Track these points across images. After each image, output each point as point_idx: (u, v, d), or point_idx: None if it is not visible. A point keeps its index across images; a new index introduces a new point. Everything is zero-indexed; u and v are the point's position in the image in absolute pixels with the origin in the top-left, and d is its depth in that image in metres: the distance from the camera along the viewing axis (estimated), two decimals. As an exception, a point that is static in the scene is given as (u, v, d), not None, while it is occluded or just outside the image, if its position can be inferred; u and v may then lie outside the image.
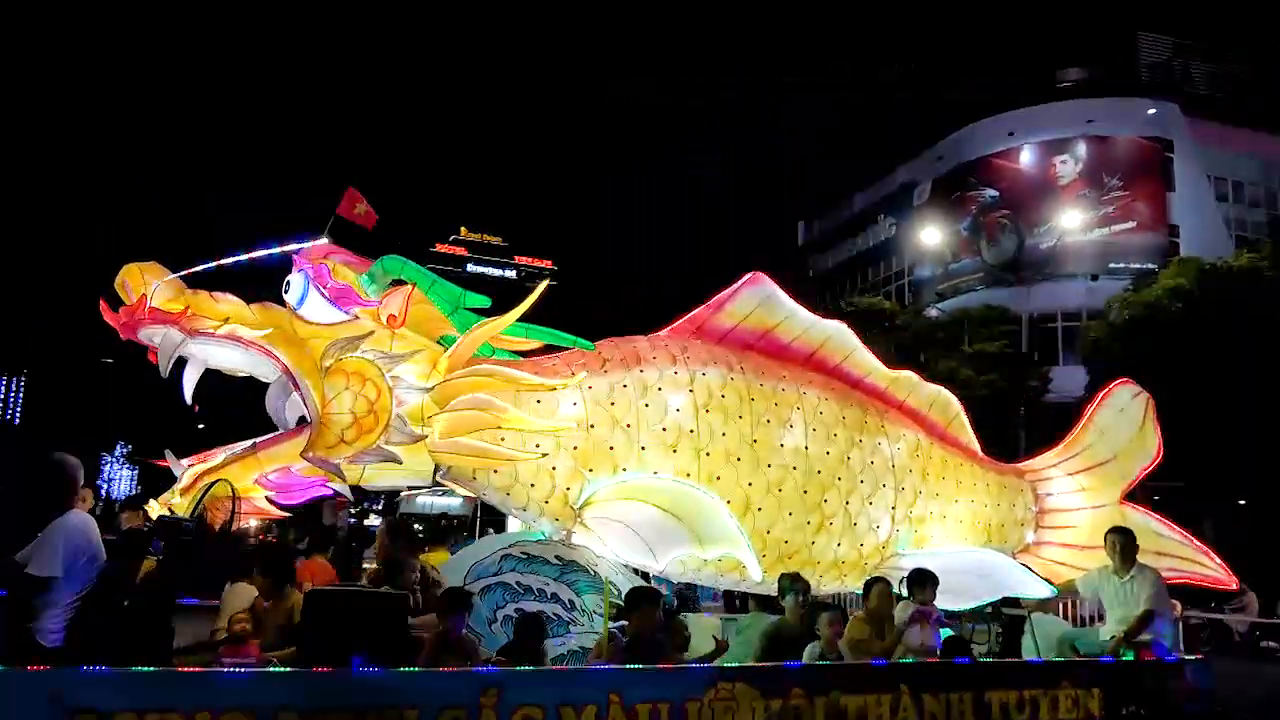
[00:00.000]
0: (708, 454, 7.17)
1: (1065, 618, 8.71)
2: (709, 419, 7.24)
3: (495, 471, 6.90)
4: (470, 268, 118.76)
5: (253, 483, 6.32)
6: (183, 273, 6.29)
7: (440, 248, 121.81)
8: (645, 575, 7.69)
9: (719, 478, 7.19)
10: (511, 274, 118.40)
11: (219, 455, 6.39)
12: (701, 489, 7.00)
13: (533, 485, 6.94)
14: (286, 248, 6.53)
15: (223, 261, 6.36)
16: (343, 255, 6.83)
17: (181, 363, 6.30)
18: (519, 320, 6.96)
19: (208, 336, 6.23)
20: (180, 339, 6.14)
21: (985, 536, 8.56)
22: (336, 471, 6.37)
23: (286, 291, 6.67)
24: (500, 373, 6.70)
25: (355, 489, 6.84)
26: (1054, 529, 8.96)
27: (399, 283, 6.83)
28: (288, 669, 4.83)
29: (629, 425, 7.05)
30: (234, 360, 6.44)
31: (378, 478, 6.76)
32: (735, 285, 7.96)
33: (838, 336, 8.33)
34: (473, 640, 5.99)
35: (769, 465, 7.36)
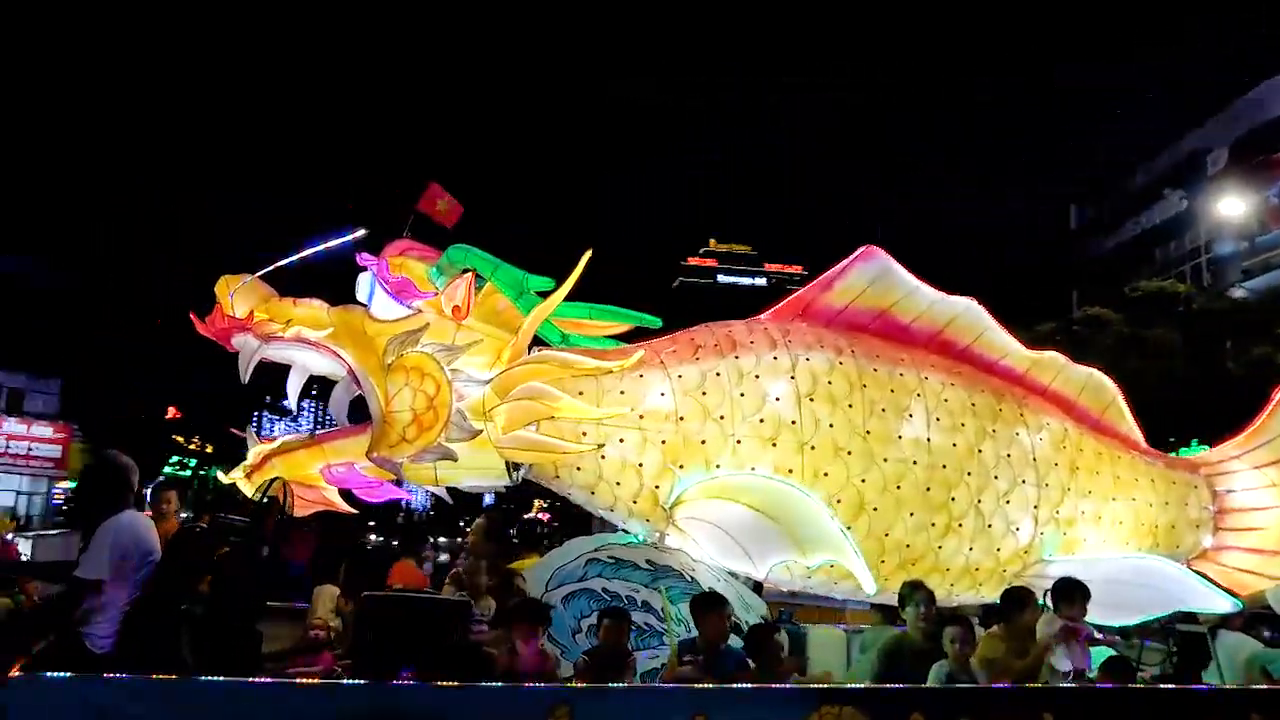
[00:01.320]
0: (812, 447, 6.42)
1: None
2: (813, 408, 6.49)
3: (579, 469, 6.40)
4: (721, 278, 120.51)
5: (317, 472, 6.12)
6: (259, 273, 6.20)
7: (691, 261, 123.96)
8: (758, 585, 7.02)
9: (826, 474, 6.43)
10: (762, 281, 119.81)
11: (279, 439, 6.29)
12: (797, 487, 6.26)
13: (618, 483, 6.40)
14: (337, 241, 6.28)
15: (286, 261, 6.20)
16: (417, 249, 6.52)
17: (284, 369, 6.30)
18: (585, 303, 6.50)
19: (278, 341, 6.09)
20: (255, 345, 6.04)
21: (1151, 540, 7.39)
22: (397, 471, 6.05)
23: (359, 290, 6.45)
24: (554, 358, 6.23)
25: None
26: (1237, 531, 7.66)
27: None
28: (319, 681, 4.46)
29: (722, 417, 6.40)
30: (315, 363, 6.26)
31: (453, 478, 6.38)
32: (846, 261, 7.16)
33: (967, 314, 7.38)
34: (553, 657, 5.47)
35: (884, 459, 6.54)
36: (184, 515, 7.05)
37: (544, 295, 6.40)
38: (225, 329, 6.11)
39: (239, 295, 6.03)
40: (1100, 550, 7.13)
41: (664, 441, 6.33)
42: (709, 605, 5.81)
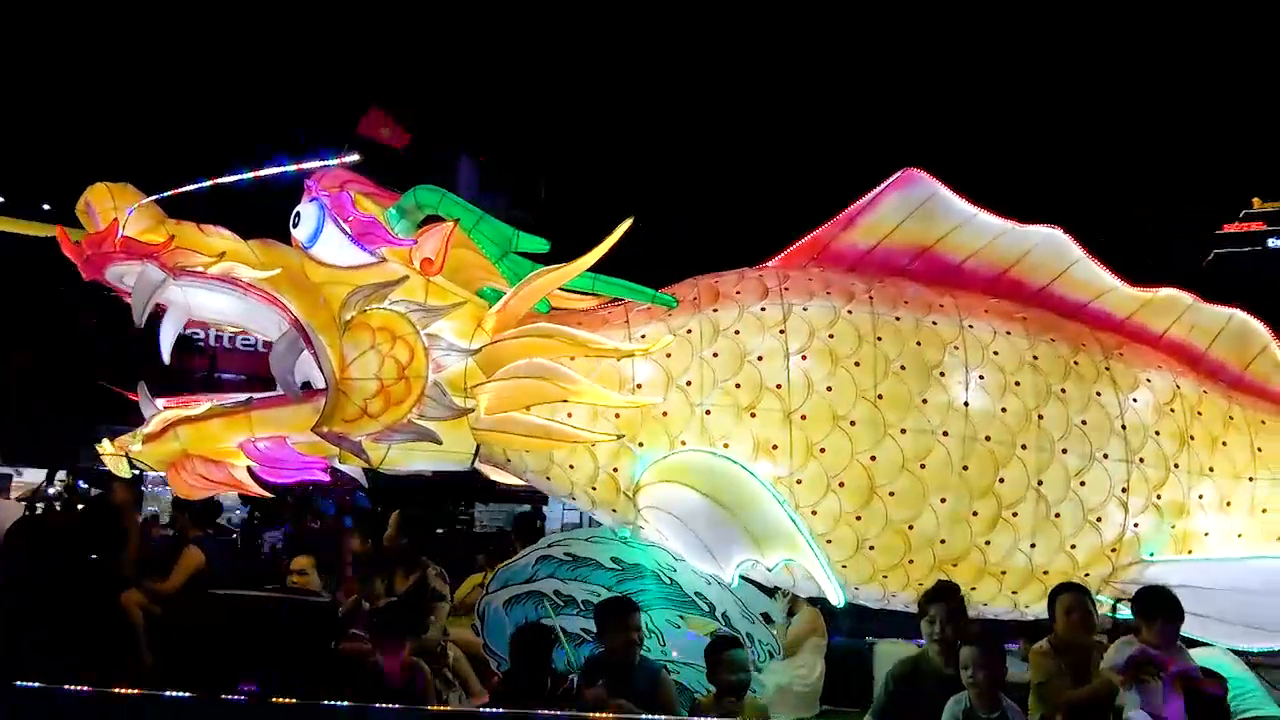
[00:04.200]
0: (803, 417, 5.13)
1: None
2: (805, 368, 5.19)
3: (527, 451, 5.45)
4: (1272, 242, 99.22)
5: (235, 447, 5.22)
6: (161, 195, 5.15)
7: (1229, 228, 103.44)
8: (782, 589, 5.82)
9: (822, 449, 5.11)
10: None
11: (203, 404, 5.31)
12: (741, 463, 5.02)
13: (572, 466, 5.39)
14: (297, 166, 5.40)
15: (219, 180, 5.29)
16: (363, 185, 5.66)
17: (159, 311, 5.19)
18: (589, 273, 5.34)
19: (196, 277, 5.08)
20: (160, 278, 4.99)
21: (1317, 535, 5.43)
22: (358, 451, 5.19)
23: (296, 225, 5.41)
24: (562, 333, 5.21)
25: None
26: None
27: (433, 220, 5.59)
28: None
29: (689, 383, 5.24)
30: (227, 309, 5.34)
31: (403, 460, 5.57)
32: (876, 190, 5.75)
33: (1044, 247, 5.74)
34: (424, 673, 4.59)
35: (903, 430, 5.12)
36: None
37: (534, 259, 5.46)
38: (107, 253, 4.99)
39: (140, 214, 5.00)
40: (1232, 548, 5.29)
41: (618, 415, 5.26)
42: (608, 613, 4.87)
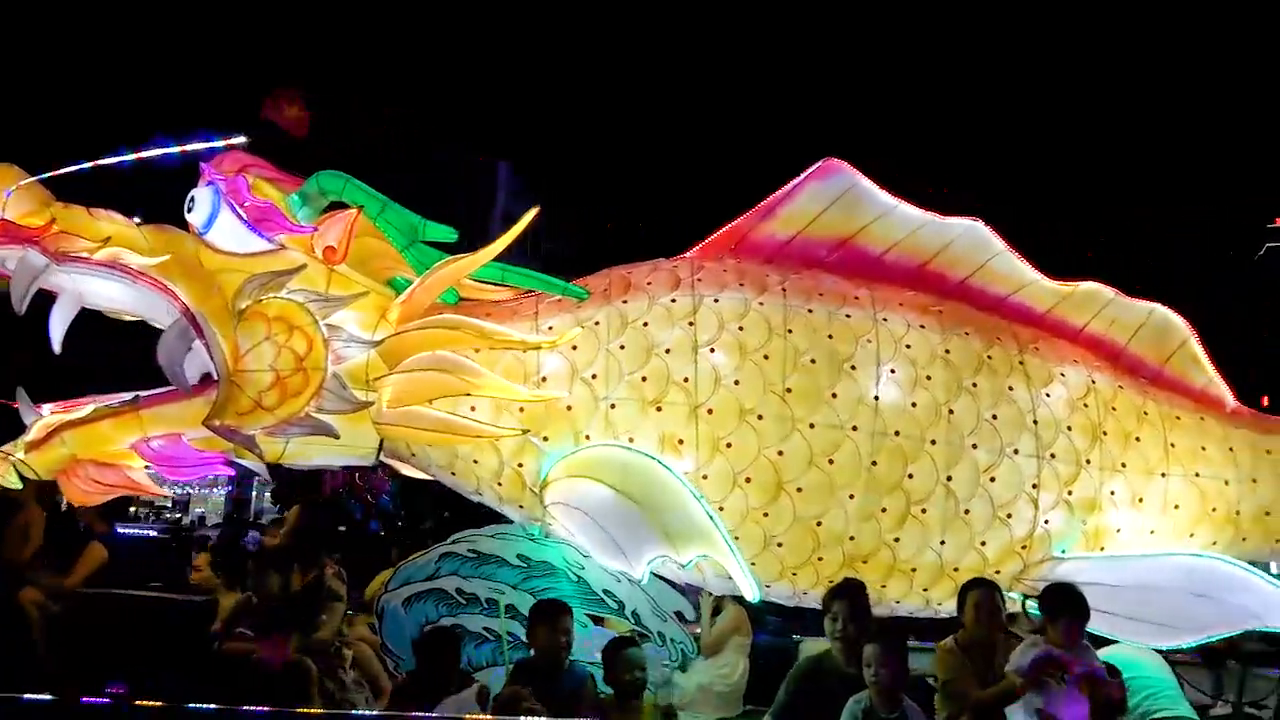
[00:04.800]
0: (710, 411, 5.01)
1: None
2: (713, 361, 5.07)
3: (431, 445, 5.30)
4: None
5: (129, 449, 5.03)
6: (46, 174, 4.90)
7: None
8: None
9: (729, 444, 5.00)
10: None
11: (87, 406, 5.09)
12: (659, 459, 4.90)
13: (476, 460, 5.25)
14: (188, 146, 5.20)
15: (104, 161, 5.11)
16: (264, 169, 5.49)
17: (49, 300, 4.93)
18: (498, 263, 5.25)
19: (80, 263, 4.86)
20: (43, 264, 4.76)
21: (1231, 531, 5.39)
22: (250, 446, 5.03)
23: (190, 210, 5.20)
24: (468, 324, 5.04)
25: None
26: (1378, 520, 5.48)
27: (338, 207, 5.42)
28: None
29: (594, 376, 5.11)
30: (119, 298, 5.09)
31: (303, 455, 5.40)
32: (795, 180, 5.64)
33: (965, 239, 5.64)
34: (311, 672, 4.44)
35: (811, 425, 5.01)
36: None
37: (442, 249, 5.32)
38: None
39: (21, 196, 4.76)
40: (1145, 545, 5.23)
41: (521, 409, 5.12)
42: (537, 615, 4.78)
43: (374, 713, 4.43)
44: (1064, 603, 4.25)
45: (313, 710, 4.30)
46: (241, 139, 5.16)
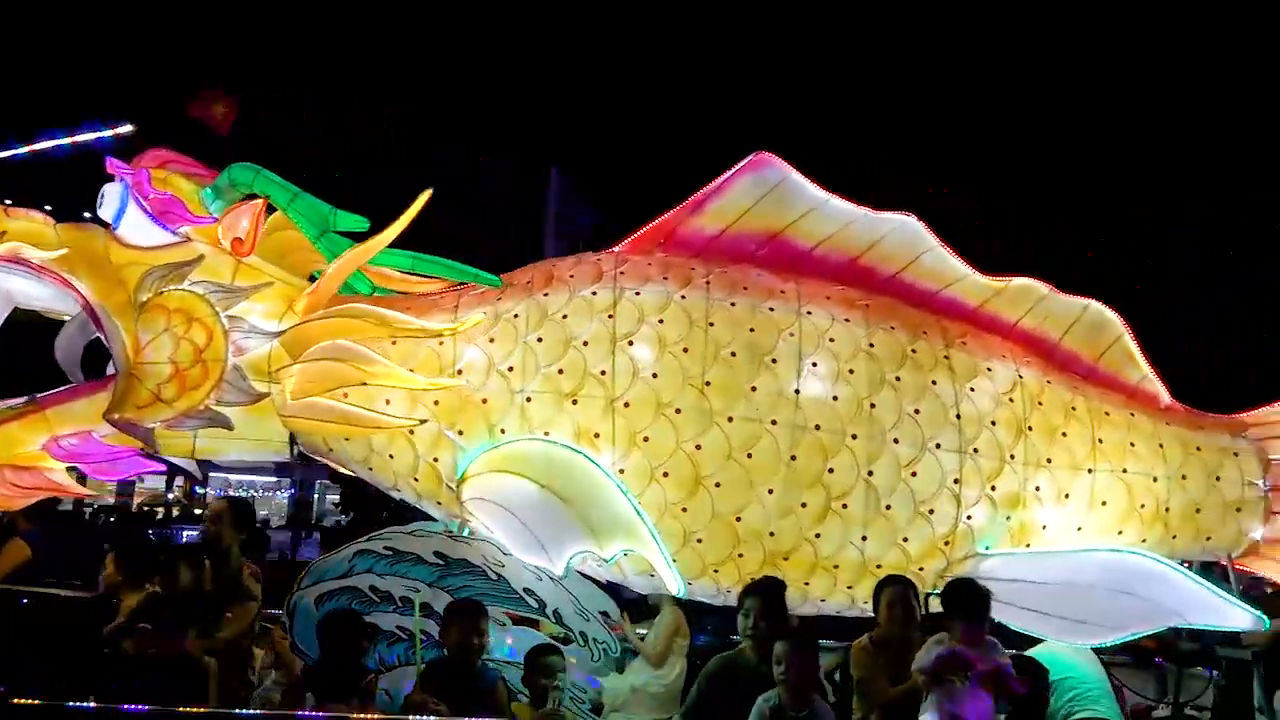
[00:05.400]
0: (626, 404, 4.93)
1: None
2: (631, 354, 4.99)
3: (346, 439, 5.21)
4: None
5: (41, 449, 5.03)
6: None
7: None
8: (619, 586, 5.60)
9: (646, 438, 4.92)
10: None
11: None
12: (586, 453, 4.81)
13: (391, 455, 5.17)
14: (89, 135, 5.22)
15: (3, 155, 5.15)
16: (184, 164, 5.46)
17: None
18: (409, 252, 5.25)
19: None
20: None
21: (1160, 528, 5.31)
22: (146, 439, 5.00)
23: (100, 205, 5.27)
24: (371, 313, 5.03)
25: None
26: (1310, 518, 5.41)
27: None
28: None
29: (510, 369, 5.02)
30: (32, 293, 5.16)
31: (216, 450, 5.32)
32: (726, 174, 5.57)
33: (897, 235, 5.56)
34: (204, 671, 4.33)
35: (729, 419, 4.93)
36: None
37: (355, 238, 5.28)
38: None
39: None
40: (1071, 541, 5.15)
41: (436, 401, 5.03)
42: (450, 615, 4.69)
43: (321, 714, 4.32)
44: (962, 599, 4.15)
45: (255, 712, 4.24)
46: (128, 127, 5.15)
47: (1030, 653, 5.00)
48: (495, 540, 5.08)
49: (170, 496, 26.16)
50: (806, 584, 5.09)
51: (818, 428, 4.95)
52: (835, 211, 5.53)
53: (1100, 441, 5.25)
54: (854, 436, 4.96)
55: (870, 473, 4.95)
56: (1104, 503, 5.19)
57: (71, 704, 3.66)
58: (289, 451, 5.37)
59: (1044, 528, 5.12)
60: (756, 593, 4.63)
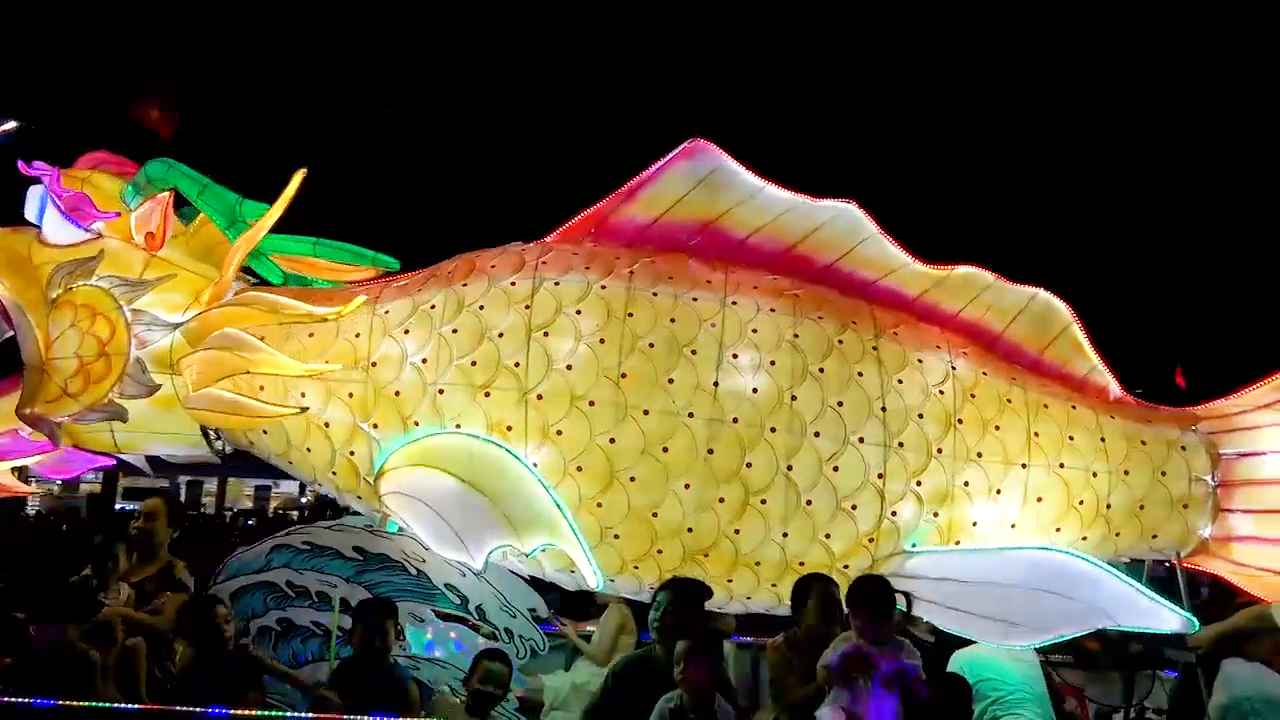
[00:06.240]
0: (539, 397, 4.82)
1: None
2: (546, 346, 4.88)
3: (265, 432, 5.17)
4: None
5: None
6: None
7: None
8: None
9: (559, 431, 4.81)
10: None
11: None
12: (506, 447, 4.72)
13: (309, 449, 5.12)
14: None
15: None
16: (115, 163, 5.50)
17: None
18: (309, 237, 5.29)
19: None
20: None
21: (1101, 526, 5.10)
22: (52, 434, 5.03)
23: (27, 207, 5.32)
24: (260, 300, 5.05)
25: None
26: (1261, 514, 5.19)
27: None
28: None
29: (424, 360, 4.94)
30: None
31: (134, 445, 5.31)
32: (660, 161, 5.44)
33: (836, 223, 5.40)
34: (87, 662, 4.29)
35: (645, 412, 4.81)
36: None
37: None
38: None
39: None
40: (1005, 539, 4.97)
41: (351, 394, 4.97)
42: (354, 613, 4.71)
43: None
44: (862, 597, 4.01)
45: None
46: (9, 124, 5.22)
47: (960, 654, 4.86)
48: (418, 535, 5.02)
49: (304, 500, 26.67)
50: (730, 581, 4.96)
51: (736, 421, 4.82)
52: (770, 199, 5.38)
53: (1036, 435, 5.05)
54: (773, 430, 4.82)
55: (790, 467, 4.81)
56: (1039, 499, 5.00)
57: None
58: (207, 446, 5.34)
59: (975, 525, 4.95)
60: (665, 588, 4.54)
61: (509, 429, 4.82)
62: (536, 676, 5.95)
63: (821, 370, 4.93)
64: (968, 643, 4.88)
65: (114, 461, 5.60)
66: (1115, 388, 5.49)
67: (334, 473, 5.11)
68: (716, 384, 4.85)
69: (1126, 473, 5.12)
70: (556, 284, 5.06)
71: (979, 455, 4.96)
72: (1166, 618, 4.56)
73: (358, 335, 5.05)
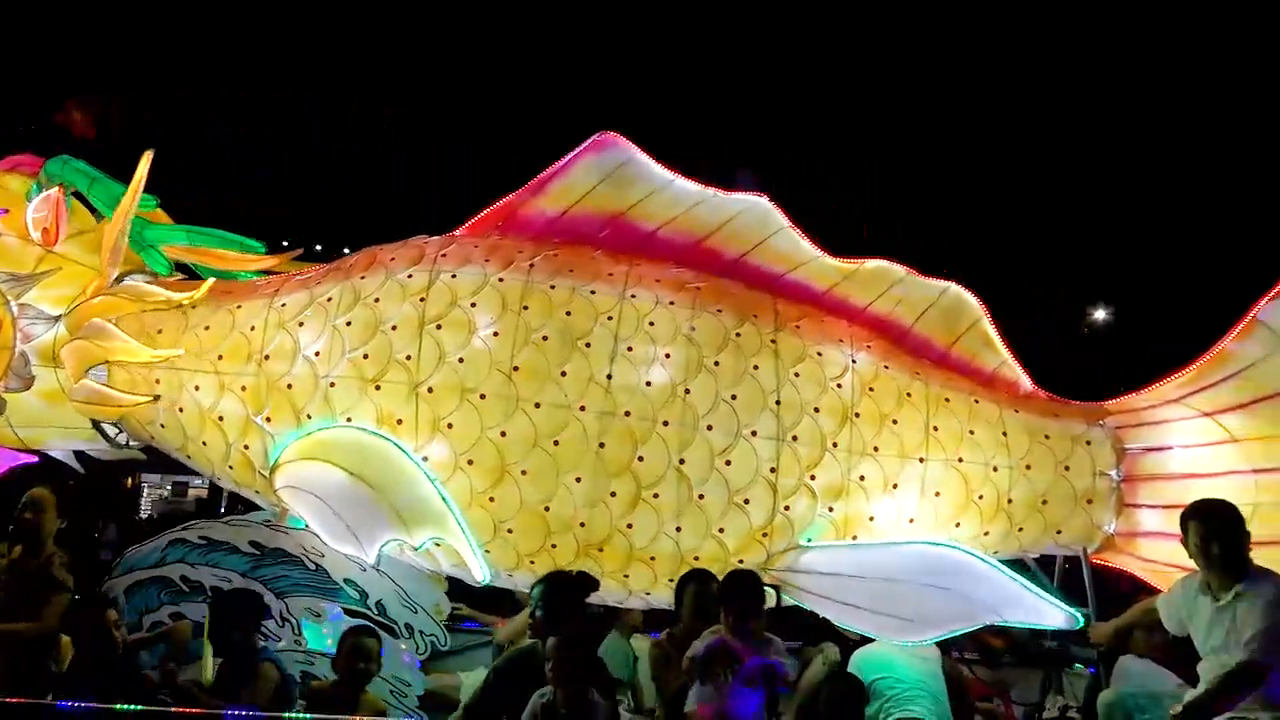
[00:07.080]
0: (430, 389, 4.79)
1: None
2: (438, 339, 4.86)
3: (162, 425, 5.16)
4: None
5: None
6: None
7: None
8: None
9: (450, 425, 4.78)
10: None
11: None
12: (394, 440, 4.69)
13: (205, 443, 5.09)
14: None
15: None
16: (29, 163, 5.52)
17: None
18: (185, 225, 5.41)
19: None
20: None
21: (1003, 521, 5.06)
22: None
23: None
24: (129, 289, 5.11)
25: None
26: (1168, 509, 5.13)
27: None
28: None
29: (317, 353, 4.91)
30: None
31: (36, 439, 5.30)
32: (569, 154, 5.40)
33: (747, 216, 5.36)
34: None
35: (537, 405, 4.77)
36: None
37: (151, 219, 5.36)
38: None
39: None
40: (903, 534, 4.92)
41: (244, 387, 4.94)
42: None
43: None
44: (730, 591, 3.97)
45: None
46: None
47: (858, 652, 4.82)
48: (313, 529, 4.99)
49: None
50: (626, 576, 4.93)
51: (628, 414, 4.78)
52: (680, 192, 5.34)
53: (935, 430, 5.01)
54: (665, 423, 4.79)
55: (682, 461, 4.77)
56: (937, 493, 4.95)
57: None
58: (103, 440, 5.33)
59: (872, 519, 4.90)
60: (537, 584, 4.50)
61: (399, 422, 4.79)
62: (455, 675, 5.91)
63: (717, 363, 4.90)
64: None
65: (36, 459, 5.58)
66: (1026, 382, 5.44)
67: (230, 466, 5.09)
68: (610, 377, 4.82)
69: (1028, 467, 5.07)
70: (454, 276, 5.03)
71: (875, 449, 4.91)
72: (1052, 614, 4.53)
73: (253, 328, 5.03)
